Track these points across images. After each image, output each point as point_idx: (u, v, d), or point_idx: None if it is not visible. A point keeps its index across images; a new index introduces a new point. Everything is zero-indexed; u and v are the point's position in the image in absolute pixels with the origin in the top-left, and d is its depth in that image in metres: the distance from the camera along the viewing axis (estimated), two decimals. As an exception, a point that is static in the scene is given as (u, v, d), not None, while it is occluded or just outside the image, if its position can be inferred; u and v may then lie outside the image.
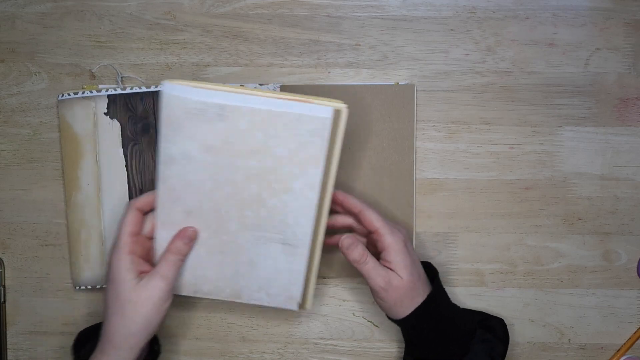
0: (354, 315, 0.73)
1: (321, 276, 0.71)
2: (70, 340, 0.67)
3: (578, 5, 0.71)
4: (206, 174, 0.59)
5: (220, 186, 0.60)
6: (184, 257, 0.61)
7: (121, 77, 0.72)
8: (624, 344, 0.71)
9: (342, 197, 0.64)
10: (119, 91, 0.71)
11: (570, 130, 0.71)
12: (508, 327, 0.68)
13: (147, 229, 0.62)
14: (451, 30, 0.71)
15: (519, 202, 0.72)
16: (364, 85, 0.71)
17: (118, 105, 0.71)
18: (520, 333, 0.72)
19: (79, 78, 0.72)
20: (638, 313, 0.72)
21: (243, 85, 0.71)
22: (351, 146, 0.70)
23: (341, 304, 0.73)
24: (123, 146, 0.71)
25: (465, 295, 0.71)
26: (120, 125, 0.71)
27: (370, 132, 0.70)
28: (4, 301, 0.73)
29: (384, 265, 0.62)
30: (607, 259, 0.72)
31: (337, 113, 0.56)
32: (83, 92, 0.71)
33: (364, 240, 0.66)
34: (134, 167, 0.71)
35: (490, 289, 0.72)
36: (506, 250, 0.72)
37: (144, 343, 0.60)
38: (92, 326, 0.67)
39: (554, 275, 0.72)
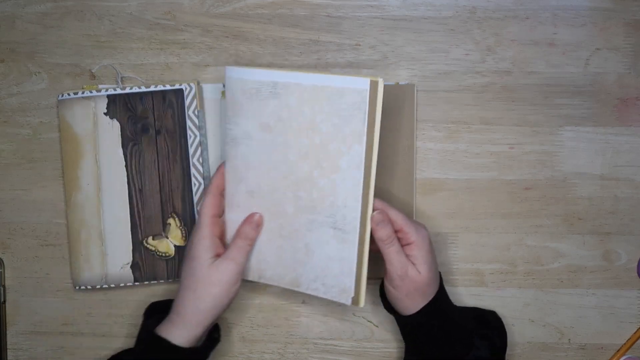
0: (354, 315, 0.73)
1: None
2: (70, 340, 0.68)
3: (578, 5, 0.71)
4: (264, 153, 0.62)
5: (277, 166, 0.62)
6: (252, 242, 0.63)
7: (121, 77, 0.72)
8: (624, 344, 0.71)
9: None
10: (119, 91, 0.71)
11: (570, 130, 0.71)
12: (508, 327, 0.68)
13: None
14: (451, 30, 0.71)
15: (519, 202, 0.72)
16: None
17: (118, 105, 0.71)
18: (520, 333, 0.72)
19: (79, 78, 0.72)
20: (638, 313, 0.72)
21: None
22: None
23: (341, 303, 0.72)
24: (123, 146, 0.71)
25: (465, 295, 0.71)
26: (120, 125, 0.71)
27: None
28: (4, 301, 0.73)
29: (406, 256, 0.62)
30: (607, 259, 0.72)
31: (373, 84, 0.57)
32: (83, 92, 0.71)
33: None
34: (133, 167, 0.71)
35: (490, 289, 0.72)
36: (506, 250, 0.72)
37: (210, 322, 0.62)
38: (163, 300, 0.69)
39: (554, 275, 0.72)
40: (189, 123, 0.71)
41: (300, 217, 0.62)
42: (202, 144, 0.71)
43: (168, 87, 0.71)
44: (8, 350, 0.73)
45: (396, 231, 0.62)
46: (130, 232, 0.71)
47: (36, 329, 0.73)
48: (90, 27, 0.72)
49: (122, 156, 0.71)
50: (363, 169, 0.59)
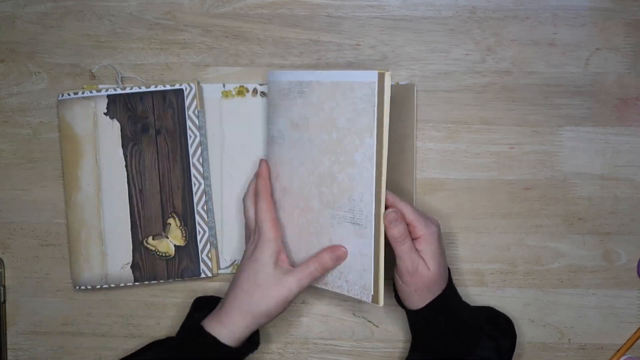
0: (354, 315, 0.73)
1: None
2: (70, 340, 0.68)
3: (578, 5, 0.71)
4: (293, 150, 0.64)
5: (304, 162, 0.63)
6: (325, 272, 0.62)
7: (121, 77, 0.72)
8: (624, 344, 0.71)
9: None
10: (119, 91, 0.71)
11: (570, 130, 0.71)
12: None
13: None
14: (451, 30, 0.71)
15: (519, 202, 0.72)
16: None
17: (118, 105, 0.71)
18: (520, 333, 0.72)
19: (79, 78, 0.72)
20: (638, 313, 0.72)
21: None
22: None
23: (341, 303, 0.73)
24: (123, 146, 0.71)
25: (465, 295, 0.71)
26: (120, 125, 0.71)
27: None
28: (4, 301, 0.73)
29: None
30: (607, 259, 0.72)
31: (381, 76, 0.58)
32: (83, 92, 0.71)
33: None
34: (133, 167, 0.71)
35: (490, 289, 0.72)
36: (506, 250, 0.72)
37: (256, 327, 0.62)
38: (208, 296, 0.70)
39: (554, 275, 0.72)
40: (189, 123, 0.71)
41: (325, 212, 0.63)
42: (202, 144, 0.71)
43: (168, 87, 0.71)
44: (8, 350, 0.73)
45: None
46: (130, 232, 0.71)
47: (36, 329, 0.73)
48: (90, 27, 0.72)
49: (122, 156, 0.71)
50: (375, 162, 0.59)
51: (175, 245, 0.71)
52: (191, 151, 0.71)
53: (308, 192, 0.64)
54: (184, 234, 0.71)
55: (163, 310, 0.73)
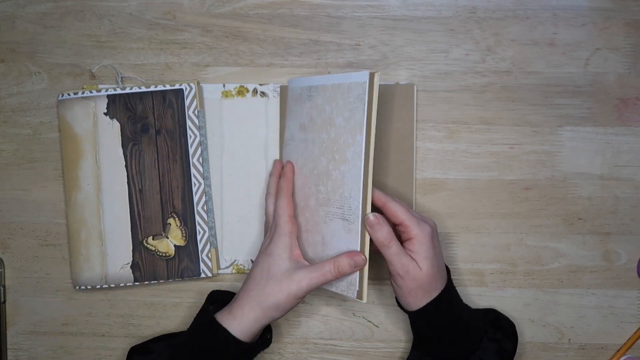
0: (354, 315, 0.73)
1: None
2: (70, 340, 0.68)
3: (578, 5, 0.71)
4: (299, 151, 0.67)
5: (307, 162, 0.65)
6: (339, 277, 0.61)
7: (121, 77, 0.72)
8: (624, 344, 0.71)
9: None
10: (119, 91, 0.71)
11: (570, 130, 0.71)
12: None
13: None
14: (451, 30, 0.71)
15: (519, 202, 0.72)
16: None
17: (118, 105, 0.71)
18: (520, 333, 0.71)
19: (79, 78, 0.72)
20: (638, 313, 0.72)
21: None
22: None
23: (341, 303, 0.73)
24: (123, 146, 0.71)
25: (465, 295, 0.71)
26: (120, 125, 0.71)
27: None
28: (4, 301, 0.73)
29: (408, 254, 0.61)
30: (607, 259, 0.72)
31: (371, 76, 0.60)
32: (83, 92, 0.71)
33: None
34: (133, 167, 0.71)
35: (490, 289, 0.72)
36: (506, 250, 0.72)
37: (266, 321, 0.62)
38: (223, 290, 0.70)
39: (554, 275, 0.72)
40: (189, 123, 0.71)
41: (320, 210, 0.64)
42: (202, 144, 0.71)
43: (168, 87, 0.71)
44: (8, 350, 0.73)
45: (397, 225, 0.62)
46: (130, 232, 0.71)
47: (36, 329, 0.73)
48: (90, 27, 0.72)
49: (122, 156, 0.71)
50: (363, 158, 0.60)
51: (175, 245, 0.71)
52: (191, 151, 0.71)
53: (307, 190, 0.65)
54: (184, 234, 0.71)
55: (163, 310, 0.73)
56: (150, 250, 0.71)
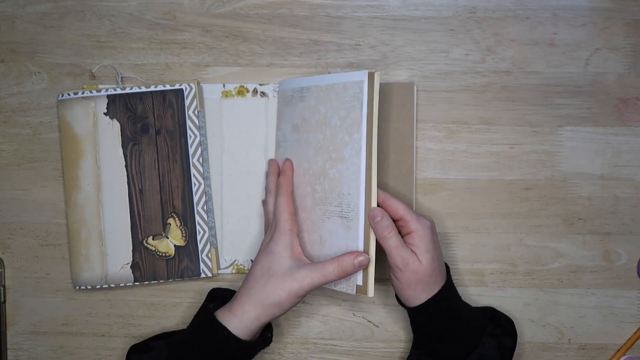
0: (354, 315, 0.73)
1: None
2: (70, 340, 0.68)
3: (578, 5, 0.71)
4: (292, 152, 0.67)
5: (300, 163, 0.66)
6: (342, 277, 0.61)
7: (121, 77, 0.72)
8: (624, 344, 0.71)
9: None
10: (119, 91, 0.71)
11: (570, 130, 0.71)
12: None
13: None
14: (451, 30, 0.71)
15: (519, 202, 0.72)
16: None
17: (118, 105, 0.71)
18: (520, 333, 0.71)
19: (79, 78, 0.72)
20: (638, 313, 0.72)
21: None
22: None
23: (341, 303, 0.73)
24: (123, 146, 0.71)
25: (465, 295, 0.71)
26: (120, 125, 0.71)
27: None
28: (4, 301, 0.73)
29: (408, 247, 0.61)
30: (607, 259, 0.72)
31: (370, 76, 0.60)
32: (83, 92, 0.71)
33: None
34: (133, 167, 0.71)
35: (490, 289, 0.72)
36: (506, 250, 0.72)
37: (266, 319, 0.62)
38: (224, 288, 0.70)
39: (554, 275, 0.72)
40: (189, 123, 0.71)
41: (317, 209, 0.64)
42: (202, 144, 0.71)
43: (168, 87, 0.71)
44: (8, 350, 0.73)
45: (397, 220, 0.62)
46: (130, 232, 0.71)
47: (36, 329, 0.73)
48: (90, 27, 0.72)
49: (122, 156, 0.71)
50: (363, 156, 0.60)
51: (175, 245, 0.71)
52: (191, 151, 0.71)
53: (303, 191, 0.65)
54: (184, 234, 0.71)
55: (163, 310, 0.73)
56: (150, 250, 0.71)
